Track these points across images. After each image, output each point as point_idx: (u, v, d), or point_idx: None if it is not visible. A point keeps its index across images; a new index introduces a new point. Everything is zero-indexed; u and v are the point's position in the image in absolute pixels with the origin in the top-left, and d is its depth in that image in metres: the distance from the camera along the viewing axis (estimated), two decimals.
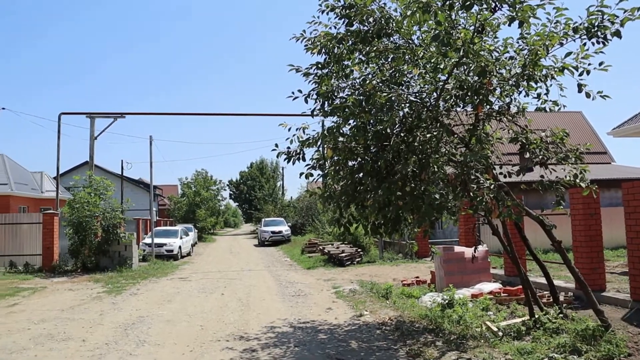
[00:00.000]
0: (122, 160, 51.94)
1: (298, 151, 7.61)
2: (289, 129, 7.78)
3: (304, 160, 7.62)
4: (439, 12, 6.10)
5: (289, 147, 7.67)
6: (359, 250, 21.63)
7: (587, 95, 6.77)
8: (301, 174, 7.69)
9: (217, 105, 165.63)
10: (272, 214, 52.11)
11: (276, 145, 7.75)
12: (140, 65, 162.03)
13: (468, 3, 5.87)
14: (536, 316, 7.74)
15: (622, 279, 11.64)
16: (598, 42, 6.47)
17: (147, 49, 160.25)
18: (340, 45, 7.39)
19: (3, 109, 19.38)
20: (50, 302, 12.41)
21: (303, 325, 9.26)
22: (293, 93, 7.70)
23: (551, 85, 7.09)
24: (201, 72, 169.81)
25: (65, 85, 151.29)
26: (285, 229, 39.38)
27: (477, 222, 8.80)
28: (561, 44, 6.75)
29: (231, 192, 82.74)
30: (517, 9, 6.08)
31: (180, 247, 26.90)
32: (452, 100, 7.06)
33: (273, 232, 38.57)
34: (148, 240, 25.95)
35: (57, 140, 24.61)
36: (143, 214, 35.62)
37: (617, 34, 6.35)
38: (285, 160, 7.71)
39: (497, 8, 6.33)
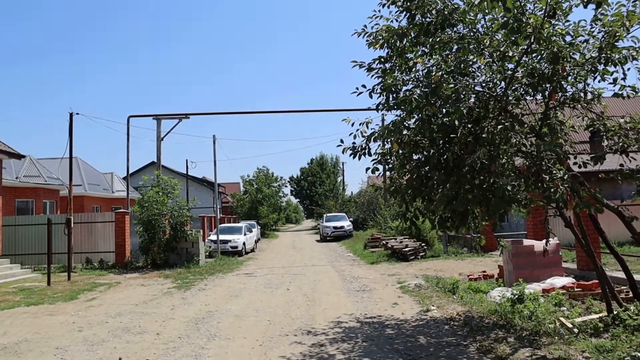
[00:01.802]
0: (186, 160, 53.53)
1: (364, 146, 7.56)
2: (352, 124, 7.74)
3: (369, 155, 7.57)
4: None
5: (354, 143, 7.63)
6: (423, 244, 21.33)
7: None
8: (367, 168, 7.67)
9: (276, 103, 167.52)
10: (333, 209, 52.26)
11: (341, 141, 7.74)
12: (201, 65, 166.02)
13: None
14: (615, 312, 7.41)
15: None
16: None
17: (204, 49, 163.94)
18: (403, 39, 7.29)
19: (77, 114, 20.10)
20: (125, 296, 12.94)
21: (369, 320, 9.23)
22: (357, 88, 7.67)
23: (629, 69, 6.73)
24: (263, 71, 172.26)
25: (132, 91, 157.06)
26: (347, 224, 39.35)
27: (547, 214, 8.46)
28: None
29: (292, 189, 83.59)
30: None
31: (244, 243, 27.40)
32: (521, 89, 6.81)
33: (335, 228, 38.62)
34: (213, 237, 26.58)
35: (127, 142, 25.63)
36: (207, 212, 36.55)
37: None
38: (350, 155, 7.68)
39: None
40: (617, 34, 6.24)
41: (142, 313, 10.55)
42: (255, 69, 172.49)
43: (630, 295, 8.10)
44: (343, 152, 7.72)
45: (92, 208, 33.37)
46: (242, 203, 53.09)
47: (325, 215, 43.97)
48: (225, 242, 26.22)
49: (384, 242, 24.37)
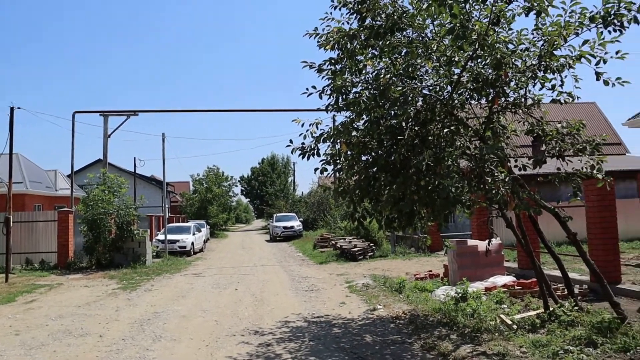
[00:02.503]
0: (134, 158, 52.25)
1: (312, 147, 7.61)
2: (302, 125, 7.79)
3: (318, 155, 7.63)
4: (454, 4, 6.06)
5: (303, 143, 7.68)
6: (371, 244, 21.63)
7: (606, 82, 6.72)
8: (316, 169, 7.77)
9: (228, 101, 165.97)
10: (283, 209, 52.25)
11: (291, 142, 7.77)
12: (149, 61, 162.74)
13: None
14: (551, 309, 7.71)
15: (637, 271, 11.56)
16: (615, 31, 6.39)
17: (154, 44, 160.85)
18: (353, 41, 7.38)
19: (19, 108, 19.31)
20: (67, 298, 12.55)
21: (317, 319, 9.30)
22: (307, 89, 7.72)
23: (566, 76, 7.05)
24: (212, 68, 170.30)
25: (76, 83, 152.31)
26: (297, 224, 39.44)
27: (491, 215, 8.76)
28: (577, 34, 6.68)
29: (242, 188, 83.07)
30: None
31: (192, 243, 27.06)
32: (466, 93, 7.02)
33: (285, 228, 38.64)
34: (161, 237, 26.14)
35: (72, 139, 24.75)
36: (155, 211, 35.83)
37: (635, 20, 6.25)
38: (299, 155, 7.72)
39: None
40: (555, 43, 6.52)
41: (84, 315, 10.27)
42: (207, 68, 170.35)
43: (566, 292, 8.47)
44: (292, 153, 7.76)
45: (33, 207, 32.12)
46: (192, 202, 52.41)
47: (275, 215, 43.93)
48: (174, 242, 25.84)
49: (333, 242, 24.57)
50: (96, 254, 19.83)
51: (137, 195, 27.64)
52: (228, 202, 58.73)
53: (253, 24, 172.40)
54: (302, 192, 64.13)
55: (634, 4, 6.27)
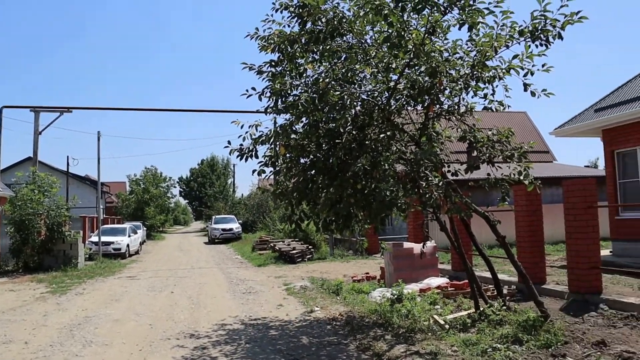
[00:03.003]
0: (67, 156, 50.23)
1: (251, 148, 7.60)
2: (242, 126, 7.77)
3: (256, 157, 7.63)
4: (391, 13, 6.22)
5: (241, 145, 7.66)
6: (310, 247, 21.75)
7: (532, 93, 7.08)
8: (254, 171, 7.72)
9: (167, 101, 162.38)
10: (222, 211, 51.75)
11: (229, 143, 7.73)
12: (86, 59, 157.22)
13: (419, 6, 6.02)
14: (481, 309, 7.98)
15: (561, 272, 12.13)
16: (541, 45, 6.77)
17: (93, 41, 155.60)
18: (294, 45, 7.42)
19: None
20: None
21: (254, 322, 9.27)
22: (247, 91, 7.69)
23: (497, 86, 7.37)
24: (151, 68, 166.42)
25: (7, 78, 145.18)
26: (235, 226, 39.15)
27: (426, 218, 9.01)
28: (507, 46, 7.01)
29: (181, 190, 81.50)
30: (466, 12, 6.28)
31: (128, 245, 26.34)
32: (403, 99, 7.20)
33: (224, 230, 38.28)
34: (95, 239, 25.27)
35: None
36: (90, 212, 34.61)
37: (559, 36, 6.66)
38: (237, 157, 7.70)
39: (447, 11, 6.52)
40: (487, 54, 6.81)
41: (8, 321, 9.79)
42: (148, 67, 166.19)
43: (495, 293, 8.81)
44: (230, 154, 7.73)
45: None
46: (128, 203, 51.00)
47: (214, 217, 43.42)
48: (108, 243, 25.04)
49: (272, 244, 24.54)
50: (24, 257, 18.94)
51: (70, 195, 26.63)
52: (166, 204, 57.51)
53: (193, 23, 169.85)
54: (242, 194, 63.72)
55: (559, 21, 6.66)
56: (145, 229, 40.78)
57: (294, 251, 20.68)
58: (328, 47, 7.23)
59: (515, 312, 7.71)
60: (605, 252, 16.50)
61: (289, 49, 7.36)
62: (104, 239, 24.79)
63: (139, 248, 30.07)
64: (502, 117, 29.64)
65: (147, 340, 8.04)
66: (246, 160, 7.60)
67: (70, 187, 41.09)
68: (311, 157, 7.40)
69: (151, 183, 52.61)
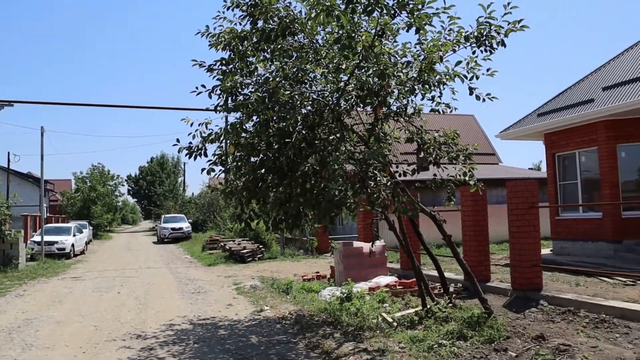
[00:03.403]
0: (8, 152, 48.25)
1: (200, 147, 7.53)
2: (191, 124, 7.68)
3: (205, 155, 7.56)
4: (342, 15, 6.29)
5: (190, 143, 7.58)
6: (261, 246, 21.68)
7: (477, 97, 7.32)
8: (203, 169, 7.65)
9: (116, 97, 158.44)
10: (172, 210, 50.90)
11: (177, 141, 7.63)
12: (33, 51, 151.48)
13: (369, 8, 6.11)
14: (428, 307, 8.15)
15: (505, 270, 12.53)
16: (486, 50, 7.00)
17: (36, 34, 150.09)
18: (245, 43, 7.38)
19: None
20: None
21: (203, 322, 9.17)
22: (197, 88, 7.61)
23: (444, 89, 7.56)
24: (101, 63, 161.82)
25: None
26: (185, 225, 38.59)
27: (375, 218, 9.14)
28: (454, 51, 7.21)
29: (130, 188, 79.40)
30: (415, 16, 6.42)
31: (73, 245, 25.55)
32: (352, 100, 7.28)
33: (173, 229, 37.68)
34: (37, 238, 24.38)
35: None
36: (32, 210, 33.36)
37: (502, 43, 6.91)
38: (186, 155, 7.62)
39: (396, 14, 6.64)
40: (433, 59, 6.98)
41: None
42: (95, 60, 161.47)
43: (442, 291, 9.02)
44: (179, 152, 7.64)
45: None
46: (74, 202, 49.41)
47: (163, 216, 42.65)
48: (51, 243, 24.20)
49: (222, 244, 24.31)
50: None
51: (10, 193, 25.59)
52: (113, 202, 56.07)
53: (144, 17, 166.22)
54: (193, 193, 62.85)
55: (502, 27, 6.91)
56: (91, 228, 39.69)
57: (245, 250, 20.57)
58: (279, 46, 7.24)
59: (461, 309, 7.91)
60: (546, 250, 17.16)
61: (240, 47, 7.32)
62: (47, 238, 23.96)
63: (85, 248, 29.23)
64: (451, 120, 30.28)
65: (91, 342, 7.84)
66: (195, 158, 7.53)
67: (11, 184, 39.57)
68: (261, 156, 7.38)
69: (98, 181, 51.16)
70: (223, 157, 7.59)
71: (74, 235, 26.46)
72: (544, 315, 8.03)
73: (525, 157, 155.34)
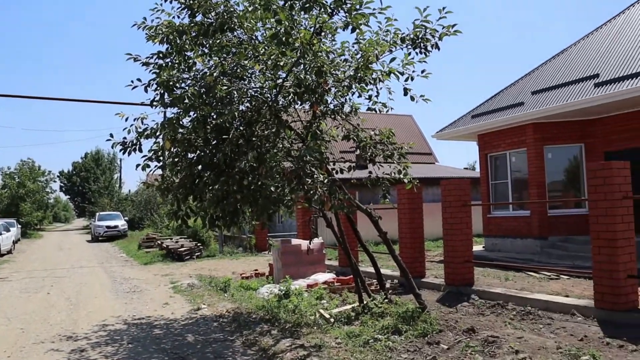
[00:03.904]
0: None
1: (134, 142, 7.36)
2: (126, 119, 7.50)
3: (140, 151, 7.38)
4: (279, 11, 6.30)
5: (125, 138, 7.39)
6: (199, 244, 21.41)
7: (412, 98, 7.51)
8: (137, 165, 7.45)
9: (49, 89, 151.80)
10: (107, 207, 49.33)
11: (111, 135, 7.43)
12: None
13: (307, 5, 6.15)
14: (365, 302, 8.30)
15: (440, 266, 12.90)
16: (421, 52, 7.19)
17: None
18: (183, 37, 7.27)
19: None
20: None
21: (138, 321, 8.97)
22: (132, 82, 7.42)
23: (381, 88, 7.70)
24: (31, 53, 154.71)
25: None
26: (121, 223, 37.51)
27: (314, 215, 9.22)
28: (391, 51, 7.37)
29: (62, 184, 76.35)
30: (352, 15, 6.52)
31: None
32: (290, 97, 7.30)
33: (108, 227, 36.54)
34: None
35: None
36: None
37: (436, 46, 7.14)
38: (120, 151, 7.42)
39: (334, 13, 6.73)
40: (369, 58, 7.11)
41: None
42: (26, 51, 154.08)
43: (379, 287, 9.20)
44: (113, 147, 7.45)
45: None
46: (0, 199, 47.07)
47: (98, 213, 41.26)
48: None
49: (159, 242, 23.82)
50: None
51: None
52: (44, 199, 53.79)
53: (83, 10, 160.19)
54: (130, 190, 61.15)
55: (437, 31, 7.13)
56: (20, 226, 37.95)
57: (182, 249, 20.24)
58: (218, 41, 7.17)
59: (396, 305, 8.09)
60: (479, 247, 17.81)
61: (178, 41, 7.20)
62: None
63: (12, 247, 27.89)
64: (390, 120, 30.87)
65: (17, 346, 7.51)
66: (129, 154, 7.35)
67: None
68: (198, 152, 7.29)
69: (28, 177, 48.87)
70: (159, 153, 7.44)
71: (1, 234, 25.23)
72: (475, 309, 8.34)
73: (462, 157, 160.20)
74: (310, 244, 9.61)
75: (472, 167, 70.89)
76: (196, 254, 20.48)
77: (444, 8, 6.95)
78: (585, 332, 6.64)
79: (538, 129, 15.46)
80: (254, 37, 7.54)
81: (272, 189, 6.25)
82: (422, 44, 7.06)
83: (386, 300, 8.25)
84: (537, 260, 14.10)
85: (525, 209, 16.07)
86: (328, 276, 11.61)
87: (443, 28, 7.08)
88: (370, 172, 7.96)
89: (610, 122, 14.70)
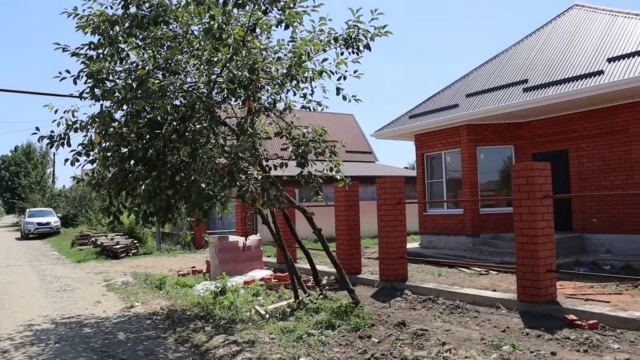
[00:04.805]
0: None
1: (63, 135, 7.15)
2: (56, 111, 7.28)
3: (69, 145, 7.18)
4: (212, 6, 6.29)
5: (52, 131, 7.18)
6: (136, 241, 20.96)
7: (344, 98, 7.69)
8: (66, 160, 7.24)
9: None
10: (39, 203, 47.40)
11: (37, 129, 7.18)
12: None
13: (240, 1, 6.17)
14: (300, 298, 8.40)
15: (377, 263, 13.17)
16: (354, 52, 7.36)
17: None
18: (116, 28, 7.11)
19: None
20: None
21: (67, 320, 8.72)
22: (60, 73, 7.19)
23: (316, 87, 7.83)
24: None
25: None
26: (54, 220, 36.12)
27: (251, 212, 9.24)
28: (324, 50, 7.50)
29: None
30: (286, 13, 6.58)
31: None
32: (224, 93, 7.29)
33: (39, 224, 35.10)
34: None
35: None
36: None
37: (367, 46, 7.35)
38: (48, 145, 7.20)
39: (268, 10, 6.78)
40: (302, 55, 7.21)
41: None
42: None
43: (315, 283, 9.33)
44: (39, 141, 7.21)
45: None
46: None
47: (29, 210, 39.57)
48: None
49: (93, 239, 23.14)
50: None
51: None
52: None
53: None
54: (64, 186, 59.02)
55: (369, 32, 7.31)
56: None
57: (118, 246, 19.74)
58: (152, 34, 7.07)
59: (331, 300, 8.24)
60: (415, 244, 18.28)
61: (110, 32, 7.03)
62: None
63: None
64: (331, 118, 31.18)
65: None
66: (57, 148, 7.15)
67: None
68: (130, 147, 7.17)
69: None
70: (88, 147, 7.26)
71: None
72: (407, 303, 8.59)
73: (403, 157, 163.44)
74: (247, 240, 9.61)
75: (412, 166, 72.42)
76: (132, 251, 20.03)
77: (375, 10, 7.14)
78: (507, 324, 6.99)
79: (471, 130, 16.02)
80: (189, 32, 7.48)
81: (203, 185, 6.22)
82: (354, 44, 7.22)
83: (321, 296, 8.38)
84: (469, 256, 14.62)
85: (459, 208, 16.63)
86: (265, 273, 11.65)
87: (375, 29, 7.27)
88: (302, 170, 8.06)
89: (537, 125, 15.45)
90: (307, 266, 11.45)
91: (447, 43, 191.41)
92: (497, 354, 5.75)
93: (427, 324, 7.17)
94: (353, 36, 7.25)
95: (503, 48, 19.22)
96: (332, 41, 7.35)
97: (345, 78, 7.51)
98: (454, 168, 17.07)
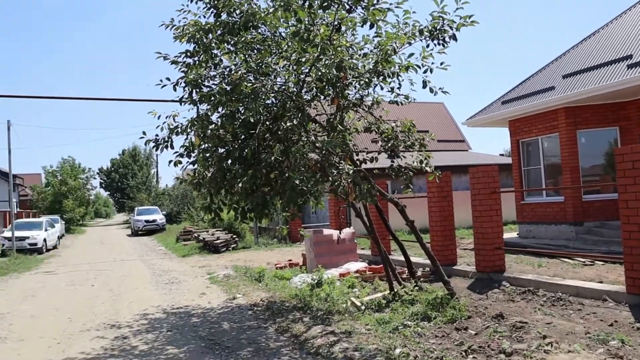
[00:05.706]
0: None
1: (166, 139, 7.67)
2: (159, 117, 7.81)
3: (172, 147, 7.69)
4: (299, 10, 6.48)
5: (157, 135, 7.71)
6: (235, 236, 21.85)
7: (431, 90, 7.61)
8: (170, 161, 7.76)
9: (87, 91, 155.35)
10: (146, 202, 50.49)
11: (144, 133, 7.75)
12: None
13: (325, 4, 6.31)
14: (395, 290, 8.45)
15: (472, 254, 12.92)
16: (439, 44, 7.26)
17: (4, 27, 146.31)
18: (209, 35, 7.50)
19: None
20: None
21: (176, 310, 9.35)
22: (162, 81, 7.70)
23: (402, 80, 7.80)
24: (69, 55, 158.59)
25: None
26: (159, 217, 38.42)
27: (343, 205, 9.41)
28: (410, 44, 7.45)
29: (102, 181, 78.27)
30: (370, 11, 6.64)
31: (45, 239, 25.30)
32: (313, 91, 7.48)
33: (147, 221, 37.48)
34: (8, 234, 24.12)
35: None
36: (2, 206, 32.85)
37: (454, 37, 7.20)
38: (153, 147, 7.76)
39: (352, 9, 6.87)
40: (388, 52, 7.21)
41: None
42: (64, 55, 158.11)
43: (409, 274, 9.34)
44: (145, 145, 7.77)
45: None
46: (44, 196, 48.59)
47: (137, 208, 42.33)
48: (23, 239, 23.94)
49: (196, 234, 24.39)
50: None
51: None
52: (85, 196, 55.25)
53: (110, 11, 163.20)
54: (166, 185, 62.45)
55: (454, 22, 7.18)
56: (63, 222, 39.25)
57: (218, 241, 20.70)
58: (243, 39, 7.38)
59: (426, 292, 8.20)
60: (513, 234, 17.67)
61: (204, 40, 7.43)
62: (18, 234, 23.73)
63: (57, 242, 28.98)
64: (421, 108, 30.74)
65: (65, 334, 7.96)
66: (162, 150, 7.68)
67: None
68: (228, 147, 7.54)
69: (69, 174, 50.36)
70: (189, 149, 7.73)
71: (46, 230, 26.21)
72: (505, 295, 8.39)
73: (498, 143, 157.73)
74: (341, 233, 9.79)
75: (508, 153, 69.57)
76: (232, 245, 20.91)
77: None
78: (615, 318, 6.62)
79: (570, 113, 15.22)
80: (277, 34, 7.73)
81: (297, 181, 6.43)
82: (439, 36, 7.13)
83: (416, 288, 8.37)
84: (571, 246, 13.94)
85: (560, 195, 15.87)
86: (360, 265, 11.78)
87: (460, 19, 7.13)
88: (392, 162, 8.09)
89: None
90: (401, 258, 11.45)
91: (538, 22, 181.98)
92: (604, 348, 5.47)
93: (527, 316, 6.97)
94: (438, 27, 7.15)
95: (599, 25, 17.98)
96: (417, 33, 7.30)
97: (432, 71, 7.44)
98: (552, 153, 16.30)
